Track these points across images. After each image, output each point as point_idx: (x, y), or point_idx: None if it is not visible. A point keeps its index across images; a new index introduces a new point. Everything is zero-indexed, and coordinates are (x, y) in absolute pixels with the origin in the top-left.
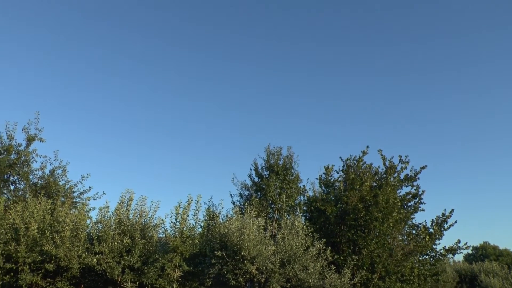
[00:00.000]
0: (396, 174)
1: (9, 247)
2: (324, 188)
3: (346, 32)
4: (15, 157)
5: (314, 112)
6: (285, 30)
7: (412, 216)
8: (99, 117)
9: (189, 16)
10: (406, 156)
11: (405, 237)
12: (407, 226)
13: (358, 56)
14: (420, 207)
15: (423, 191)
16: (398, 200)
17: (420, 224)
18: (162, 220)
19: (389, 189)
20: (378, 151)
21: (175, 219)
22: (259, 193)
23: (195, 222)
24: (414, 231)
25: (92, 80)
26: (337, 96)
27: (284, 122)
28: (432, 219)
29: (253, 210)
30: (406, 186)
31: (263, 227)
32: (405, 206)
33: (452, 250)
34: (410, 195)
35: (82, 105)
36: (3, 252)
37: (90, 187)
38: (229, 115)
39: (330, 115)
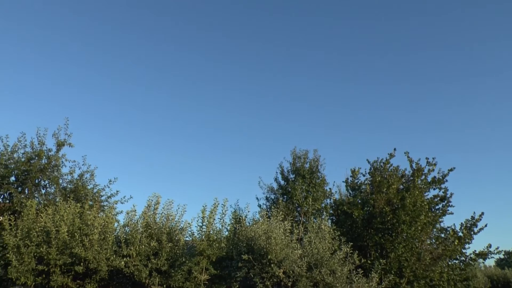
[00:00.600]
0: (423, 177)
1: (41, 249)
2: (350, 191)
3: (371, 39)
4: (46, 162)
5: (339, 116)
6: (310, 36)
7: (440, 220)
8: (125, 123)
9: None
10: (433, 158)
11: (434, 241)
12: (435, 230)
13: (384, 61)
14: (448, 210)
15: (451, 194)
16: (425, 203)
17: (448, 227)
18: (188, 223)
19: (417, 192)
20: (405, 153)
21: (202, 223)
22: (285, 196)
23: (222, 226)
24: (442, 235)
25: (119, 86)
26: (363, 99)
27: (309, 125)
28: (461, 223)
29: (280, 213)
30: (434, 189)
31: (289, 231)
32: (433, 209)
33: (483, 255)
34: (438, 198)
35: (109, 110)
36: (35, 254)
37: (117, 191)
38: (254, 119)
39: (356, 118)
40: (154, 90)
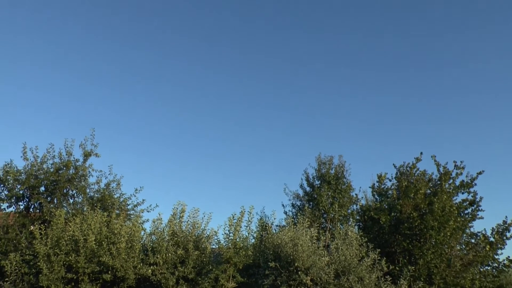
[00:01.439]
0: (451, 181)
1: (70, 257)
2: (377, 197)
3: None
4: (73, 172)
5: (364, 121)
6: (339, 52)
7: (470, 224)
8: (150, 132)
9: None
10: (461, 162)
11: (464, 246)
12: (465, 235)
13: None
14: (478, 214)
15: (481, 198)
16: (454, 207)
17: (479, 232)
18: (215, 231)
19: (445, 196)
20: (431, 157)
21: (228, 230)
22: (311, 203)
23: (248, 233)
24: (473, 240)
25: (143, 97)
26: (389, 109)
27: (334, 131)
28: (493, 227)
29: (306, 220)
30: (462, 193)
31: (316, 237)
32: (462, 214)
33: None
34: (467, 202)
35: (134, 120)
36: (64, 262)
37: (143, 200)
38: (278, 128)
39: (381, 124)
40: (179, 100)
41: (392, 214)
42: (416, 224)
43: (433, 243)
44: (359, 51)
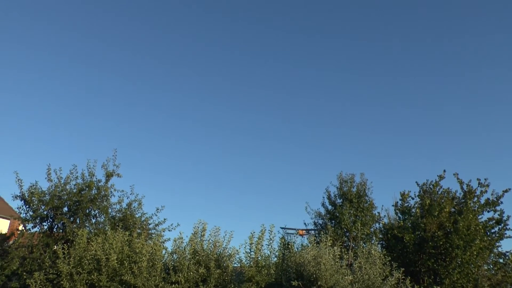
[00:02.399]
0: (475, 199)
1: (92, 276)
2: (400, 215)
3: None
4: (96, 192)
5: (385, 139)
6: (360, 63)
7: (497, 244)
8: (170, 152)
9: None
10: (485, 179)
11: (491, 266)
12: (492, 255)
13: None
14: (506, 233)
15: (508, 217)
16: (480, 226)
17: (507, 252)
18: (236, 250)
19: (470, 215)
20: (454, 174)
21: (250, 249)
22: (333, 221)
23: (270, 252)
24: (501, 260)
25: (164, 118)
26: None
27: (355, 150)
28: None
29: (328, 238)
30: (488, 211)
31: (339, 256)
32: (489, 233)
33: None
34: (493, 221)
35: (155, 140)
36: (87, 281)
37: (164, 219)
38: (298, 145)
39: (402, 141)
40: (200, 119)
41: (416, 232)
42: (441, 243)
43: (459, 262)
44: (380, 64)
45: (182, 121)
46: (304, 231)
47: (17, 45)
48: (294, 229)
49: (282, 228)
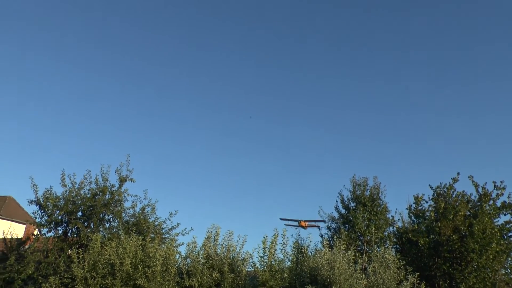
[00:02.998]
0: (491, 202)
1: (106, 280)
2: (414, 219)
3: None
4: (109, 197)
5: (397, 144)
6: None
7: None
8: (182, 156)
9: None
10: (501, 182)
11: (509, 270)
12: (510, 259)
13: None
14: None
15: None
16: (496, 230)
17: None
18: (250, 254)
19: (486, 218)
20: (469, 177)
21: (263, 253)
22: (347, 225)
23: (284, 256)
24: None
25: (176, 123)
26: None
27: (367, 154)
28: None
29: (342, 242)
30: (505, 214)
31: (353, 260)
32: (505, 237)
33: None
34: (510, 224)
35: (168, 145)
36: (101, 285)
37: (178, 223)
38: (311, 149)
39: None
40: (213, 123)
41: (431, 236)
42: (457, 247)
43: (475, 266)
44: (393, 70)
45: (195, 128)
46: (307, 223)
47: (29, 52)
48: (295, 220)
49: (281, 219)
